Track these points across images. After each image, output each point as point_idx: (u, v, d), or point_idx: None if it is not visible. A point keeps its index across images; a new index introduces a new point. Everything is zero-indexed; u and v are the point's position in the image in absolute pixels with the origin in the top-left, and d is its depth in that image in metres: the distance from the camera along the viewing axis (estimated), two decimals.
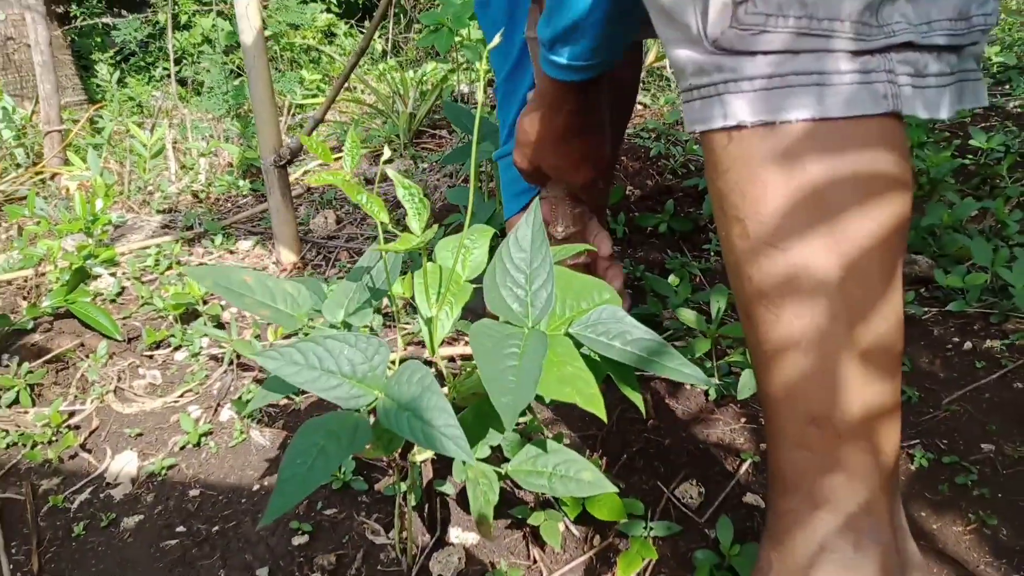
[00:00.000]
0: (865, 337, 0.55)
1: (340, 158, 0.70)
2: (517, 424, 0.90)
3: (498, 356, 0.60)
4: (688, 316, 1.03)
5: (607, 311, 0.66)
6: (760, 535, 0.82)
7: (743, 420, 1.00)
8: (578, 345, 0.67)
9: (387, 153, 0.69)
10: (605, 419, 0.61)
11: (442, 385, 0.72)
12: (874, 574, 0.58)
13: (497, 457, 0.83)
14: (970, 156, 1.67)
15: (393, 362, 0.72)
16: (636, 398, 0.69)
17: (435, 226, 0.63)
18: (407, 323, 1.23)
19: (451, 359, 1.10)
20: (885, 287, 0.55)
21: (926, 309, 1.21)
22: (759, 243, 0.55)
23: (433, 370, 0.66)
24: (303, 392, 0.75)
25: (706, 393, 1.04)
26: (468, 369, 0.73)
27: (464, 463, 0.74)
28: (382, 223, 0.65)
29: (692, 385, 1.07)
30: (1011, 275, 1.14)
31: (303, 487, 0.56)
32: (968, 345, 1.11)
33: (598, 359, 0.74)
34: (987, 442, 0.93)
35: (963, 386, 1.02)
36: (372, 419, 0.62)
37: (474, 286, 0.73)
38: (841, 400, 0.56)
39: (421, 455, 0.75)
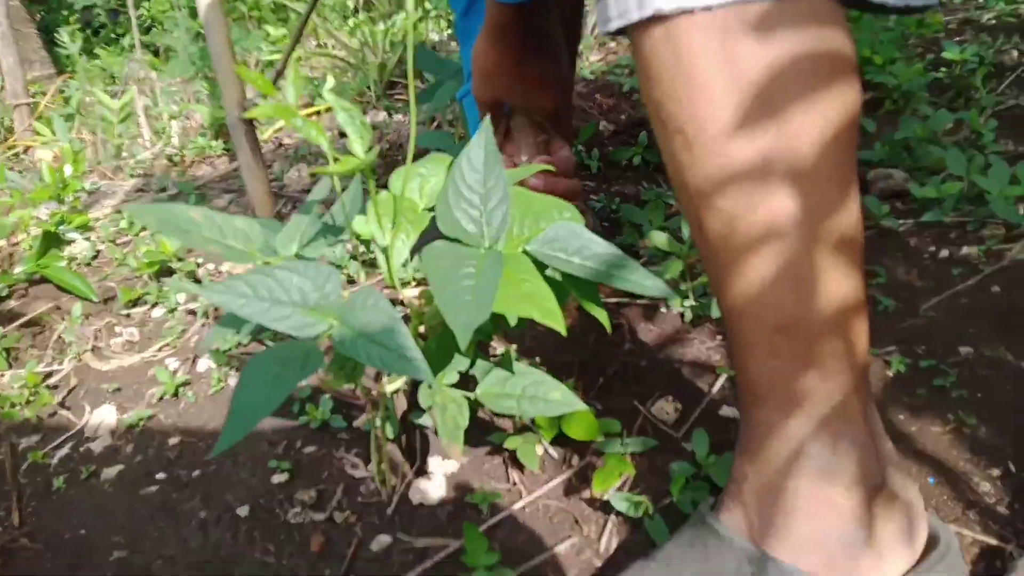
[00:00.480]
0: (825, 234, 0.53)
1: (311, 112, 0.67)
2: (493, 357, 0.89)
3: (453, 277, 0.59)
4: (660, 239, 1.02)
5: (565, 227, 0.65)
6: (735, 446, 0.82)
7: (718, 338, 1.00)
8: (540, 267, 0.66)
9: (330, 81, 0.66)
10: (564, 332, 0.60)
11: (408, 321, 0.71)
12: (852, 476, 0.58)
13: (471, 387, 0.82)
14: (944, 69, 1.65)
15: None
16: (601, 315, 0.68)
17: (377, 147, 0.61)
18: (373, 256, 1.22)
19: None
20: (841, 180, 0.53)
21: (901, 221, 1.20)
22: (703, 152, 0.52)
23: (400, 309, 0.65)
24: (261, 332, 0.74)
25: (682, 315, 1.03)
26: (430, 295, 0.72)
27: (431, 389, 0.73)
28: (325, 148, 0.63)
29: (667, 307, 1.06)
30: (987, 181, 1.13)
31: (255, 414, 0.54)
32: (944, 253, 1.10)
33: (560, 279, 0.74)
34: (965, 345, 0.92)
35: (940, 292, 1.02)
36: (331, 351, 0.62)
37: (432, 214, 0.71)
38: (806, 303, 0.54)
39: (390, 385, 0.75)
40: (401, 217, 0.67)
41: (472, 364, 0.75)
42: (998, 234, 1.11)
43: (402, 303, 0.94)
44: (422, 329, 0.72)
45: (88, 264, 1.50)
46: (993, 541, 0.69)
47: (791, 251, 0.53)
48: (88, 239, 1.59)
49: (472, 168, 0.65)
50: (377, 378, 0.74)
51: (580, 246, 0.64)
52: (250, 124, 1.54)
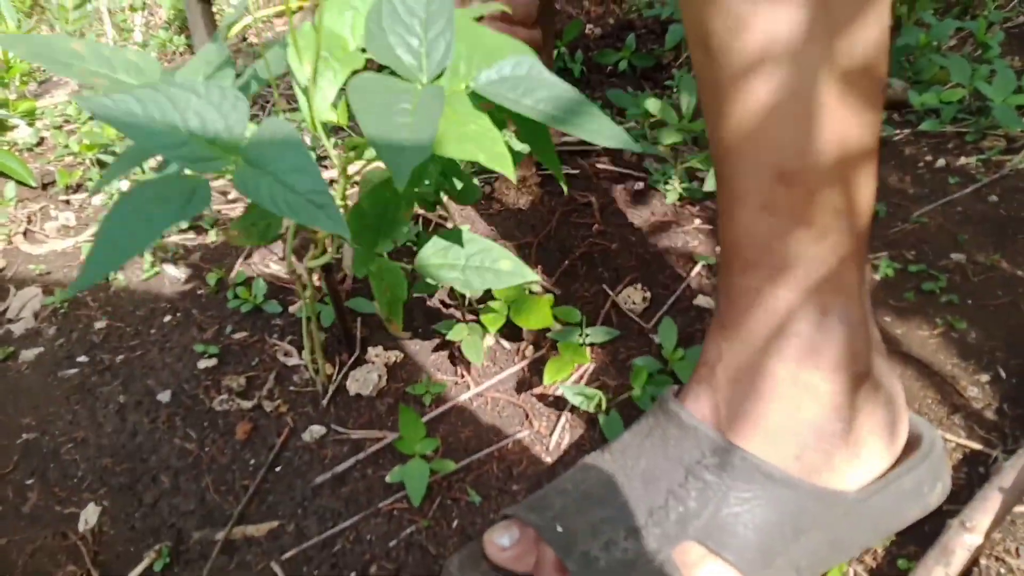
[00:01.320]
0: (845, 49, 0.44)
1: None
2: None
3: (386, 113, 0.50)
4: (653, 104, 0.93)
5: (519, 64, 0.55)
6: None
7: (699, 222, 0.92)
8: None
9: None
10: (513, 179, 0.52)
11: (332, 184, 0.63)
12: (837, 359, 0.51)
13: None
14: None
15: None
16: (555, 168, 0.60)
17: None
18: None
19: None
20: None
21: (898, 131, 1.12)
22: None
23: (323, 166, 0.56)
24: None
25: (665, 196, 0.95)
26: (359, 149, 0.63)
27: (363, 259, 0.65)
28: None
29: (648, 186, 0.98)
30: (991, 89, 1.05)
31: (121, 253, 0.45)
32: (941, 162, 1.02)
33: (517, 146, 0.65)
34: (957, 252, 0.86)
35: (934, 200, 0.95)
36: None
37: (366, 55, 0.62)
38: (814, 141, 0.46)
39: (315, 260, 0.66)
40: (326, 53, 0.57)
41: (416, 236, 0.67)
42: (998, 145, 1.04)
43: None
44: (352, 191, 0.64)
45: (30, 150, 1.40)
46: (978, 446, 0.64)
47: (807, 69, 0.44)
48: (32, 125, 1.49)
49: None
50: (305, 248, 0.65)
51: (534, 86, 0.54)
52: (207, 3, 1.43)
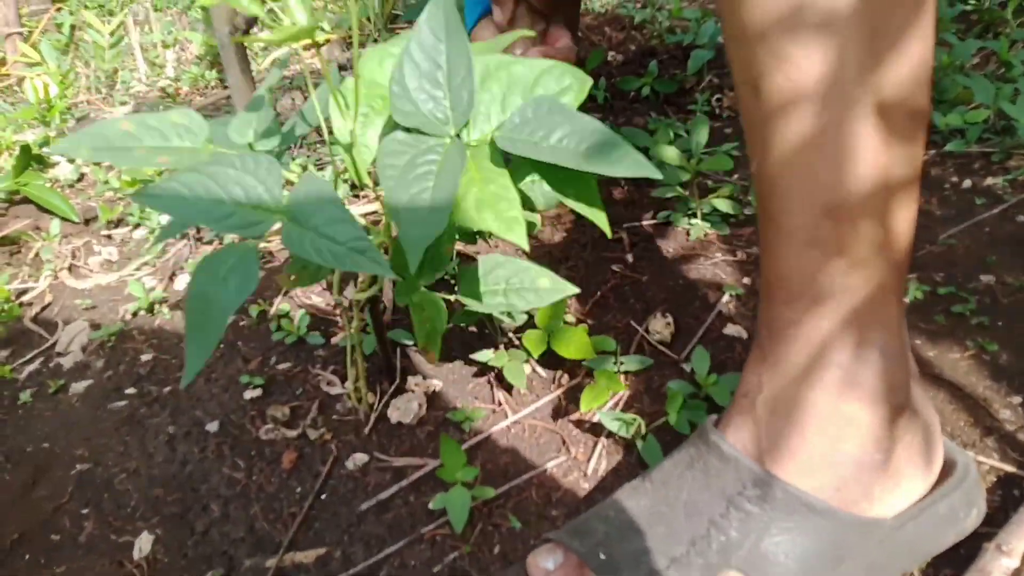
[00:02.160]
0: (889, 90, 0.45)
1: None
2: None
3: (408, 179, 0.51)
4: (670, 153, 0.96)
5: (541, 104, 0.54)
6: (742, 366, 0.77)
7: (725, 254, 0.93)
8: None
9: None
10: (526, 247, 0.52)
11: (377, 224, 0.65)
12: (878, 391, 0.52)
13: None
14: (971, 3, 1.56)
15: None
16: (598, 217, 0.60)
17: (325, 15, 0.54)
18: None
19: None
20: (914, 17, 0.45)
21: (924, 152, 1.12)
22: None
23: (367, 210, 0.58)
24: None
25: (688, 233, 0.97)
26: None
27: (404, 293, 0.67)
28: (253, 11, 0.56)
29: (671, 223, 0.99)
30: (1015, 109, 1.06)
31: (208, 342, 0.49)
32: (967, 183, 1.03)
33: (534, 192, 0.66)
34: (986, 273, 0.86)
35: (961, 222, 0.96)
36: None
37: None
38: (861, 176, 0.47)
39: (361, 294, 0.68)
40: (365, 104, 0.60)
41: (451, 265, 0.69)
42: None
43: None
44: (395, 232, 0.66)
45: (71, 186, 1.45)
46: (1012, 468, 0.64)
47: (849, 105, 0.45)
48: (72, 162, 1.54)
49: (433, 36, 0.56)
50: (347, 282, 0.68)
51: (556, 122, 0.53)
52: (240, 43, 1.47)
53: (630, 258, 0.94)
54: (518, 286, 0.65)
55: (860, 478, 0.53)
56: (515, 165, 0.58)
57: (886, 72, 0.45)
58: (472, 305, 0.66)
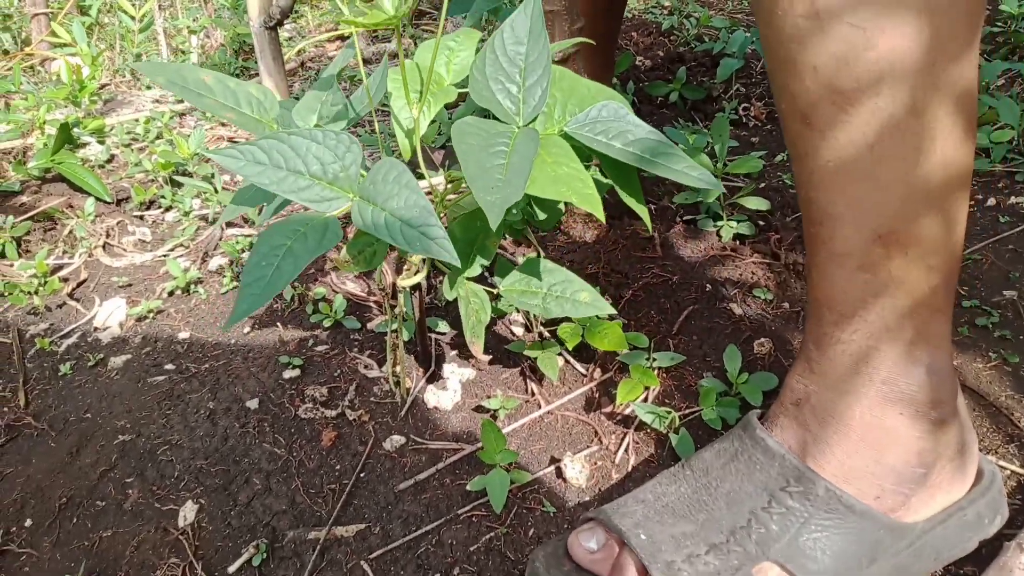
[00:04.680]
0: (943, 124, 0.47)
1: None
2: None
3: (484, 155, 0.54)
4: (695, 157, 0.98)
5: (607, 108, 0.60)
6: (771, 366, 0.79)
7: (753, 255, 0.96)
8: (579, 153, 0.61)
9: None
10: (603, 219, 0.56)
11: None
12: (923, 406, 0.54)
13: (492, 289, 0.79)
14: (999, 24, 1.58)
15: None
16: (641, 210, 0.64)
17: (411, 1, 0.56)
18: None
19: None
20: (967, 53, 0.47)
21: None
22: (826, 10, 0.46)
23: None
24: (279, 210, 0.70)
25: (719, 234, 0.99)
26: (455, 182, 0.68)
27: (456, 283, 0.69)
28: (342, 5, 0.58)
29: (702, 225, 1.01)
30: None
31: (269, 288, 0.51)
32: (992, 201, 1.06)
33: (601, 179, 0.69)
34: (1009, 289, 0.89)
35: (985, 238, 0.98)
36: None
37: (459, 90, 0.66)
38: (914, 204, 0.49)
39: (408, 280, 0.71)
40: (426, 90, 0.62)
41: (494, 262, 0.71)
42: None
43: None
44: (444, 217, 0.69)
45: (102, 167, 1.47)
46: None
47: (906, 139, 0.47)
48: (102, 143, 1.56)
49: (515, 38, 0.60)
50: (398, 270, 0.70)
51: (623, 129, 0.59)
52: (274, 32, 1.49)
53: (661, 257, 0.96)
54: (559, 294, 0.68)
55: (900, 489, 0.55)
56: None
57: (942, 104, 0.47)
58: (511, 301, 0.69)
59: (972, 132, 0.50)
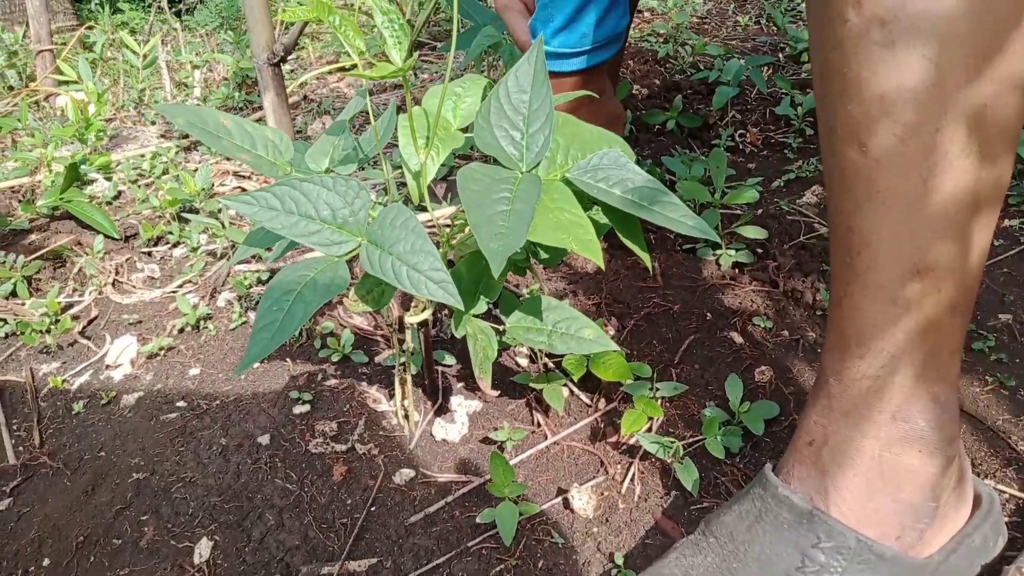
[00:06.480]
0: (987, 165, 0.48)
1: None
2: (520, 297, 0.88)
3: (488, 201, 0.56)
4: (693, 188, 1.00)
5: (608, 156, 0.62)
6: (772, 395, 0.81)
7: (755, 284, 0.98)
8: (580, 198, 0.63)
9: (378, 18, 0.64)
10: (602, 266, 0.58)
11: (438, 247, 0.69)
12: (937, 444, 0.56)
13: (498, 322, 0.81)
14: None
15: None
16: (642, 254, 0.65)
17: (416, 53, 0.59)
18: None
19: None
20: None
21: None
22: (901, 41, 0.45)
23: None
24: (288, 251, 0.72)
25: (717, 263, 1.01)
26: (461, 223, 0.70)
27: (462, 321, 0.71)
28: (358, 51, 0.61)
29: (701, 254, 1.04)
30: None
31: (280, 334, 0.53)
32: None
33: (601, 220, 0.71)
34: (1005, 312, 0.90)
35: None
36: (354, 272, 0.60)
37: (466, 135, 0.69)
38: (954, 239, 0.49)
39: (415, 316, 0.73)
40: (433, 135, 0.65)
41: (499, 297, 0.73)
42: None
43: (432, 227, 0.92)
44: (451, 256, 0.70)
45: (109, 203, 1.49)
46: None
47: (948, 175, 0.47)
48: (109, 179, 1.58)
49: (519, 87, 0.62)
50: (405, 306, 0.72)
51: (623, 177, 0.61)
52: (277, 68, 1.52)
53: (661, 287, 0.98)
54: (563, 331, 0.69)
55: (916, 525, 0.57)
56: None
57: (997, 145, 0.48)
58: (517, 337, 0.70)
59: (1009, 173, 0.51)
